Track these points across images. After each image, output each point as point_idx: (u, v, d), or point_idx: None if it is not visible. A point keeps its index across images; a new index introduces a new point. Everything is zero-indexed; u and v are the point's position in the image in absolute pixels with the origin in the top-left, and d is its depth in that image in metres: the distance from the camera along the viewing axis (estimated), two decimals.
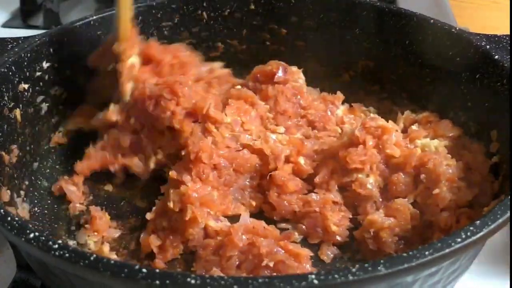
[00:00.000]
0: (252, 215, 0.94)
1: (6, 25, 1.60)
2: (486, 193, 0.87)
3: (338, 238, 0.91)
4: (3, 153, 0.90)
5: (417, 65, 1.11)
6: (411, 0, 1.37)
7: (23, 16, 1.60)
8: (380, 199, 0.93)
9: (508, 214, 0.65)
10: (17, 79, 0.95)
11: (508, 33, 1.02)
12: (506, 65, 0.93)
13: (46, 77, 1.02)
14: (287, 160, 0.97)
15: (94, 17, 1.08)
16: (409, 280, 0.65)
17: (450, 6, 1.55)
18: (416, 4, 1.42)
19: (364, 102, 1.19)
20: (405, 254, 0.60)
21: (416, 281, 0.66)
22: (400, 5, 1.47)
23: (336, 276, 0.58)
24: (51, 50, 1.02)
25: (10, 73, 0.94)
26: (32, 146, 1.00)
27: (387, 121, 0.97)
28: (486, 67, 0.96)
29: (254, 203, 0.97)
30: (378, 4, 1.15)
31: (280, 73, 1.08)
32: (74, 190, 1.00)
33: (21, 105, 0.96)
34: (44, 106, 1.03)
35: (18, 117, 0.95)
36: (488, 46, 0.98)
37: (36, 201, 0.98)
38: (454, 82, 1.04)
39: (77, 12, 1.63)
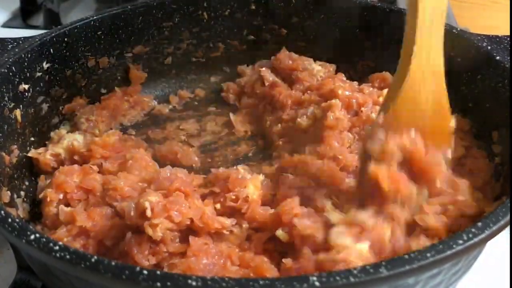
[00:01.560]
0: None
1: (6, 25, 1.59)
2: (487, 196, 0.86)
3: None
4: (4, 153, 0.90)
5: None
6: None
7: (23, 16, 1.60)
8: None
9: (509, 216, 0.65)
10: (17, 80, 0.95)
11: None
12: (507, 66, 0.93)
13: (47, 77, 1.02)
14: None
15: (95, 17, 1.08)
16: (410, 282, 0.65)
17: (450, 6, 1.55)
18: None
19: None
20: (406, 256, 0.60)
21: (418, 282, 0.66)
22: (400, 5, 1.47)
23: (337, 278, 0.58)
24: (52, 50, 1.02)
25: (11, 74, 0.93)
26: (32, 146, 1.00)
27: None
28: (487, 68, 0.96)
29: None
30: (379, 4, 1.15)
31: None
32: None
33: (21, 106, 0.96)
34: (45, 106, 1.03)
35: (19, 117, 0.95)
36: (489, 47, 0.98)
37: (36, 202, 0.97)
38: (455, 83, 1.03)
39: (77, 12, 1.63)
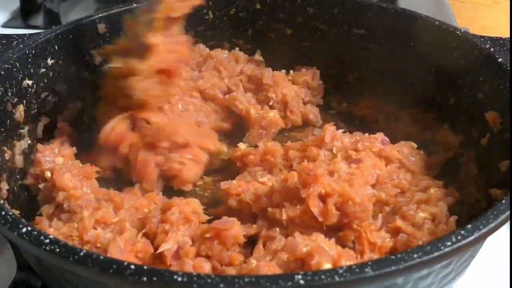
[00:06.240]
0: None
1: (6, 25, 1.61)
2: None
3: None
4: (5, 148, 0.91)
5: (421, 66, 1.10)
6: (411, 0, 1.36)
7: (23, 16, 1.62)
8: None
9: (500, 219, 0.65)
10: (21, 75, 0.96)
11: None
12: (509, 68, 0.92)
13: (51, 73, 1.03)
14: None
15: (100, 15, 1.10)
16: (399, 283, 0.65)
17: (450, 6, 1.54)
18: (416, 4, 1.41)
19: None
20: (393, 257, 0.60)
21: (407, 283, 0.66)
22: (400, 5, 1.46)
23: (322, 277, 0.58)
24: (56, 47, 1.03)
25: (15, 69, 0.95)
26: (34, 142, 1.01)
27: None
28: (489, 70, 0.95)
29: None
30: (384, 5, 1.15)
31: None
32: None
33: (24, 101, 0.97)
34: (48, 102, 1.04)
35: (22, 113, 0.96)
36: (492, 49, 0.97)
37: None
38: (457, 85, 1.03)
39: (77, 12, 1.63)
